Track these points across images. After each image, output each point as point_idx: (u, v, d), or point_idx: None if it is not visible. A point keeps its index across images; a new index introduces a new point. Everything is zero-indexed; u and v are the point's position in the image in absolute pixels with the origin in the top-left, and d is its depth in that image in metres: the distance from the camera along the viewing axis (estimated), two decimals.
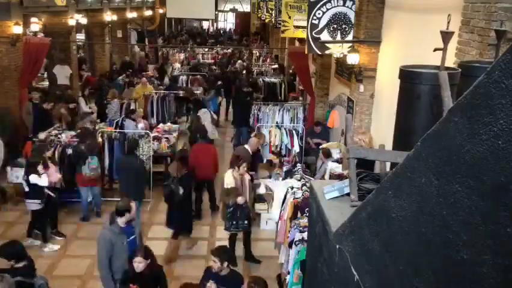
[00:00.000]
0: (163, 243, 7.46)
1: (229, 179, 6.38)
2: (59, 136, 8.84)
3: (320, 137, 9.65)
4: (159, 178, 9.42)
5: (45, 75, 14.55)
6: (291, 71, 15.58)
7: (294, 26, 11.24)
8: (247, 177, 6.60)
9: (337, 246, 1.96)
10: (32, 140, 8.64)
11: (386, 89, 7.30)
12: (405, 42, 6.68)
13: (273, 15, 15.15)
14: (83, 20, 14.11)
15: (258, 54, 21.63)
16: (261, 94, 13.60)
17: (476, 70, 2.59)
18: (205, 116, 10.54)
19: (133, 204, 5.15)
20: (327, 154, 7.83)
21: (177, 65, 17.86)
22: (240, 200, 6.17)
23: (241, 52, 21.92)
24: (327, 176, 7.27)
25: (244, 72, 16.31)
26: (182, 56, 20.50)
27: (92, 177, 7.82)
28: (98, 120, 10.81)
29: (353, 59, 7.70)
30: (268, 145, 9.80)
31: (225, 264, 4.52)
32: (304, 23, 9.29)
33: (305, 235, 4.86)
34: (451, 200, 1.09)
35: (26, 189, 6.91)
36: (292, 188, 6.31)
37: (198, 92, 12.94)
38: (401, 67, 2.60)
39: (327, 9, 7.88)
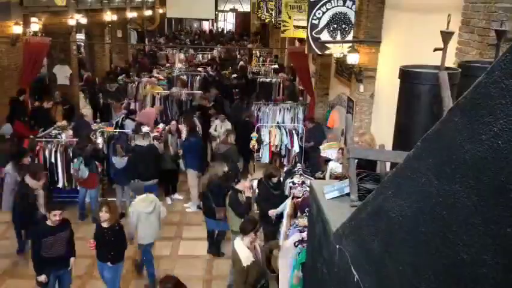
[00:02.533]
0: (163, 243, 7.47)
1: (245, 252, 4.80)
2: (58, 136, 8.87)
3: (310, 134, 9.58)
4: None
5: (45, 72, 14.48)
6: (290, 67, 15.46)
7: (294, 26, 11.23)
8: (257, 242, 5.14)
9: (337, 246, 1.96)
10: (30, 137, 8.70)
11: (386, 89, 7.30)
12: (405, 42, 6.68)
13: (273, 15, 15.13)
14: (83, 20, 14.10)
15: (258, 54, 21.61)
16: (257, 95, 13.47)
17: (476, 70, 2.59)
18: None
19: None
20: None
21: (178, 65, 17.80)
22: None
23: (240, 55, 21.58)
24: (327, 176, 7.27)
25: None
26: (182, 55, 20.47)
27: (79, 179, 7.81)
28: (98, 120, 10.82)
29: (352, 59, 7.70)
30: (268, 145, 9.80)
31: None
32: (304, 23, 9.29)
33: (305, 235, 4.85)
34: (451, 200, 1.09)
35: None
36: (294, 183, 6.33)
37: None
38: (401, 67, 2.59)
39: (327, 9, 7.88)
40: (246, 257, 4.75)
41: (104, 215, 5.41)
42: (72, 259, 5.60)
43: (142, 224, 6.02)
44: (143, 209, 6.03)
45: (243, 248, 4.82)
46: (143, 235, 6.07)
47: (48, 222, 5.32)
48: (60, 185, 8.28)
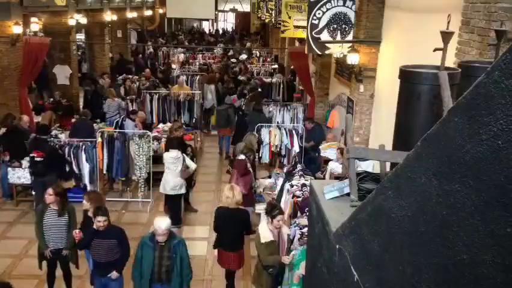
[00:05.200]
0: None
1: (265, 231, 5.13)
2: (58, 136, 8.89)
3: (310, 134, 9.59)
4: (159, 178, 9.43)
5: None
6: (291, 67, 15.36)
7: (294, 26, 11.24)
8: (285, 230, 5.36)
9: (337, 246, 1.96)
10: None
11: (386, 89, 7.30)
12: (405, 42, 6.68)
13: (273, 15, 15.13)
14: (83, 20, 14.11)
15: (258, 54, 21.61)
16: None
17: (476, 70, 2.58)
18: None
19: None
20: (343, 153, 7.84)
21: (176, 66, 17.75)
22: (285, 260, 4.93)
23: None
24: (327, 176, 7.28)
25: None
26: (182, 56, 20.45)
27: None
28: (99, 120, 10.82)
29: (352, 59, 7.71)
30: (268, 145, 9.80)
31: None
32: (304, 23, 9.29)
33: (304, 232, 4.86)
34: (451, 200, 1.09)
35: None
36: (292, 185, 6.30)
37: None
38: (401, 67, 2.59)
39: (327, 9, 7.88)
40: (264, 235, 5.11)
41: (85, 203, 5.50)
42: (114, 273, 5.28)
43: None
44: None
45: (264, 228, 5.20)
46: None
47: (94, 226, 5.18)
48: None
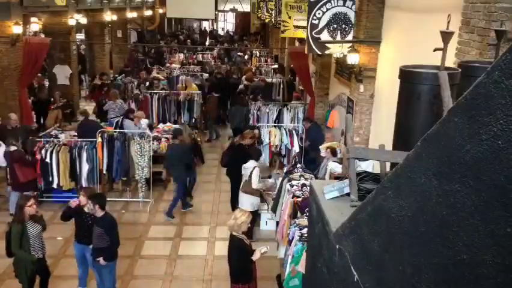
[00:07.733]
0: (163, 243, 7.48)
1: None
2: (58, 136, 8.88)
3: (309, 133, 9.60)
4: (158, 178, 9.44)
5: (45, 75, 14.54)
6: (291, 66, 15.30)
7: (294, 26, 11.24)
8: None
9: (337, 246, 1.96)
10: None
11: (386, 89, 7.30)
12: (405, 42, 6.68)
13: (273, 15, 15.13)
14: (83, 20, 14.12)
15: (258, 54, 21.58)
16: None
17: (476, 70, 2.59)
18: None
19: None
20: (334, 152, 7.84)
21: (176, 66, 17.73)
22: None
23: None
24: (327, 176, 7.28)
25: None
26: (182, 56, 20.44)
27: None
28: (99, 120, 10.81)
29: (353, 59, 7.70)
30: (268, 145, 9.81)
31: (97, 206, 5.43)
32: (304, 23, 9.29)
33: (304, 233, 4.87)
34: (450, 200, 1.09)
35: None
36: (292, 185, 6.30)
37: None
38: (401, 67, 2.59)
39: (327, 9, 7.88)
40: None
41: (82, 199, 5.70)
42: (101, 259, 5.56)
43: None
44: None
45: None
46: None
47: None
48: (55, 185, 8.29)
